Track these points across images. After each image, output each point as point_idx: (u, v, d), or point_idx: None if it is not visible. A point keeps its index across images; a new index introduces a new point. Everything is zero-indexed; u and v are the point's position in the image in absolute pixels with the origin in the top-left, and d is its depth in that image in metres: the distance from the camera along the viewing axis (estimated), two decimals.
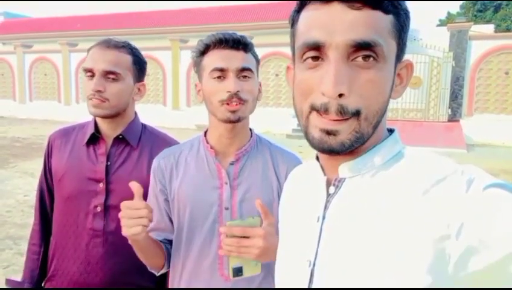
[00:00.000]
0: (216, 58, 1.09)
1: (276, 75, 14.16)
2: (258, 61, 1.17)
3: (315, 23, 0.58)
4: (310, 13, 0.60)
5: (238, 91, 1.07)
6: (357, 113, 0.57)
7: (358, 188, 0.62)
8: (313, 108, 0.59)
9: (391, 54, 0.59)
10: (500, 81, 11.87)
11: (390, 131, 0.67)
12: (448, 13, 31.12)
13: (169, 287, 1.22)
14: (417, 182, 0.56)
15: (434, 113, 12.72)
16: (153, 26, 20.48)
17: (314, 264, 0.63)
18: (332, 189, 0.65)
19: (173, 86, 15.96)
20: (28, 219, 4.86)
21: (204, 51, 1.12)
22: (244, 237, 0.94)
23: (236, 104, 1.07)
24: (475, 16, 27.36)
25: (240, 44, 1.09)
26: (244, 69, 1.09)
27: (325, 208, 0.65)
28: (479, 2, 28.11)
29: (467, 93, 12.28)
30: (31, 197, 5.80)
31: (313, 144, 0.61)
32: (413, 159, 0.61)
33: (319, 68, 0.58)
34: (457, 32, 12.23)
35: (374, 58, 0.56)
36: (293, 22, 0.65)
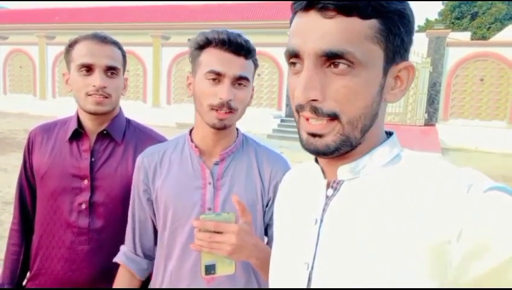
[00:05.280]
0: (215, 59, 1.04)
1: (258, 75, 14.15)
2: (256, 67, 1.13)
3: (295, 31, 0.61)
4: (295, 21, 0.62)
5: (230, 100, 1.03)
6: (334, 116, 0.58)
7: (357, 190, 0.62)
8: (296, 110, 0.62)
9: (373, 59, 0.58)
10: (475, 88, 12.20)
11: (389, 134, 0.67)
12: (427, 20, 31.83)
13: (152, 287, 1.20)
14: (416, 185, 0.56)
15: (411, 117, 12.97)
16: (135, 22, 20.18)
17: (312, 267, 0.63)
18: (330, 191, 0.65)
19: (154, 83, 15.75)
20: (2, 215, 4.71)
21: (204, 45, 1.06)
22: (217, 232, 0.90)
23: (226, 113, 1.04)
24: (452, 23, 28.09)
25: (242, 49, 1.04)
26: (241, 78, 1.05)
27: (323, 210, 0.65)
28: (457, 9, 28.87)
29: (443, 99, 12.57)
30: (4, 193, 5.62)
31: (302, 145, 0.63)
32: (412, 161, 0.61)
33: (299, 74, 0.60)
34: (436, 39, 12.51)
35: (348, 65, 0.56)
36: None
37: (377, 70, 0.59)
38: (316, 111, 0.58)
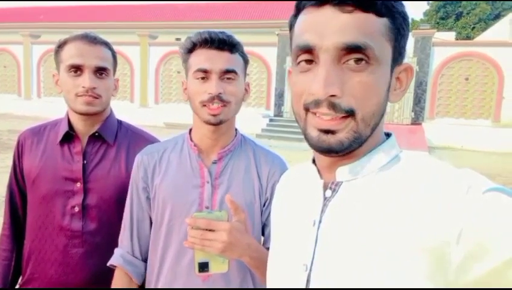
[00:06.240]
0: (200, 58, 1.08)
1: (247, 74, 14.15)
2: (246, 61, 1.15)
3: (308, 26, 0.59)
4: (304, 17, 0.61)
5: (220, 93, 1.05)
6: (351, 113, 0.58)
7: (356, 191, 0.62)
8: (306, 108, 0.60)
9: (386, 57, 0.59)
10: (461, 87, 12.38)
11: (387, 135, 0.67)
12: (412, 20, 32.22)
13: (146, 286, 1.20)
14: (415, 187, 0.56)
15: (398, 116, 13.11)
16: (122, 21, 19.99)
17: (310, 269, 0.63)
18: (329, 192, 0.65)
19: (141, 82, 15.61)
20: None
21: (191, 49, 1.10)
22: (209, 230, 0.92)
23: (218, 107, 1.06)
24: (437, 23, 28.46)
25: (225, 44, 1.07)
26: (228, 71, 1.07)
27: (322, 211, 0.65)
28: (442, 10, 29.26)
29: (429, 98, 12.72)
30: None
31: (311, 144, 0.61)
32: (411, 163, 0.61)
33: (311, 71, 0.59)
34: (421, 39, 12.65)
35: (366, 61, 0.57)
36: (291, 27, 0.66)
37: (387, 69, 0.60)
38: (334, 107, 0.57)
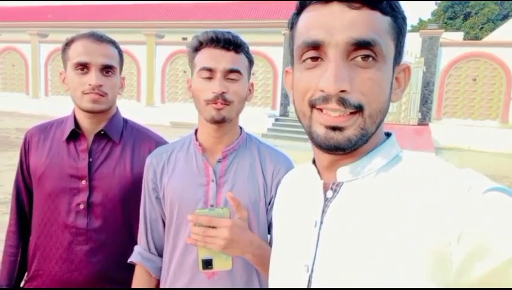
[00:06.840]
0: (205, 57, 1.09)
1: (252, 74, 14.16)
2: (251, 62, 1.17)
3: (315, 23, 0.59)
4: (309, 14, 0.61)
5: (223, 92, 1.07)
6: (360, 108, 0.57)
7: (357, 192, 0.62)
8: (312, 104, 0.60)
9: (389, 55, 0.60)
10: (468, 87, 12.29)
11: (387, 135, 0.67)
12: (420, 20, 32.02)
13: (161, 281, 1.21)
14: (416, 187, 0.56)
15: (405, 117, 13.04)
16: (128, 20, 20.09)
17: (312, 270, 0.63)
18: (330, 193, 0.65)
19: (148, 81, 15.68)
20: None
21: (197, 47, 1.12)
22: (211, 227, 0.93)
23: (222, 104, 1.07)
24: (445, 23, 28.26)
25: (230, 44, 1.09)
26: (232, 71, 1.08)
27: (323, 212, 0.64)
28: (450, 10, 29.05)
29: (437, 98, 12.64)
30: None
31: (317, 141, 0.60)
32: (412, 163, 0.61)
33: (318, 68, 0.59)
34: (429, 39, 12.57)
35: (373, 58, 0.57)
36: (292, 25, 0.65)
37: (391, 67, 0.61)
38: (343, 102, 0.57)
